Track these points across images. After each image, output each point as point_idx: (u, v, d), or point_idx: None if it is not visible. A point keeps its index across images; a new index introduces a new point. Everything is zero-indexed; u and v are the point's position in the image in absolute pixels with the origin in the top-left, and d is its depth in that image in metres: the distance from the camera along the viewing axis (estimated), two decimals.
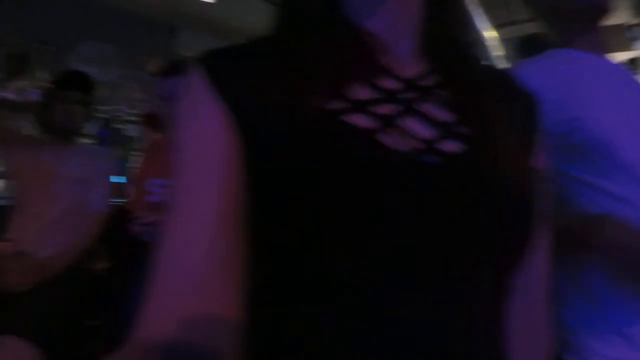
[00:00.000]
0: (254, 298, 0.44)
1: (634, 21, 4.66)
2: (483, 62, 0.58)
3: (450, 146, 0.46)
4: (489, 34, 5.41)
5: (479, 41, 4.89)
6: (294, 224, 0.41)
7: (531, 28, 2.06)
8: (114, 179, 1.97)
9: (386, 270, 0.41)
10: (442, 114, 0.48)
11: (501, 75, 0.61)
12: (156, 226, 1.58)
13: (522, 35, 2.62)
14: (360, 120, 0.45)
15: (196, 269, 0.42)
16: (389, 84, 0.48)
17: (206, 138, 0.47)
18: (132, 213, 1.81)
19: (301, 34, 0.50)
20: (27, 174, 1.86)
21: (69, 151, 1.93)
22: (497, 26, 5.39)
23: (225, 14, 4.74)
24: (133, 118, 4.89)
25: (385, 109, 0.46)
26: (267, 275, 0.45)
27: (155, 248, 0.45)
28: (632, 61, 4.46)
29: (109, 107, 4.79)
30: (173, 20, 5.04)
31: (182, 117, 0.50)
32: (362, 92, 0.47)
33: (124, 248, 1.93)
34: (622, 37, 4.66)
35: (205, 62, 0.50)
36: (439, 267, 0.42)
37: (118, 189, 2.17)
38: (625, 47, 4.77)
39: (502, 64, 5.19)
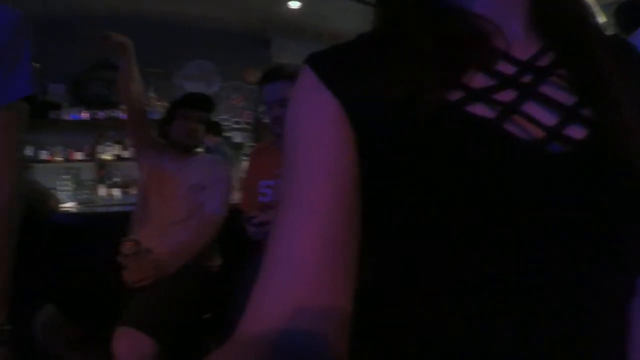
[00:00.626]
0: (367, 292, 0.43)
1: None
2: (604, 33, 0.50)
3: (575, 132, 0.41)
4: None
5: None
6: (418, 222, 0.40)
7: None
8: (227, 183, 2.08)
9: (513, 265, 0.39)
10: (563, 96, 0.44)
11: (624, 47, 0.52)
12: (268, 226, 1.64)
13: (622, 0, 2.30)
14: (482, 110, 0.42)
15: (308, 261, 0.41)
16: (505, 68, 0.45)
17: (319, 133, 0.46)
18: (244, 214, 1.89)
19: (407, 24, 0.47)
20: (151, 180, 2.02)
21: (188, 160, 2.06)
22: None
23: (314, 18, 4.80)
24: (238, 126, 5.21)
25: (505, 96, 0.43)
26: (382, 270, 0.44)
27: (269, 243, 0.44)
28: None
29: (215, 118, 5.12)
30: (265, 31, 5.22)
31: (293, 116, 0.49)
32: (479, 80, 0.44)
33: (236, 247, 2.03)
34: None
35: (313, 62, 0.49)
36: (568, 262, 0.39)
37: (231, 193, 2.29)
38: None
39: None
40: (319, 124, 0.46)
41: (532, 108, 0.42)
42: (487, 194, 0.39)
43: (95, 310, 1.70)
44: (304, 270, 0.41)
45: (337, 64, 0.48)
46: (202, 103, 2.14)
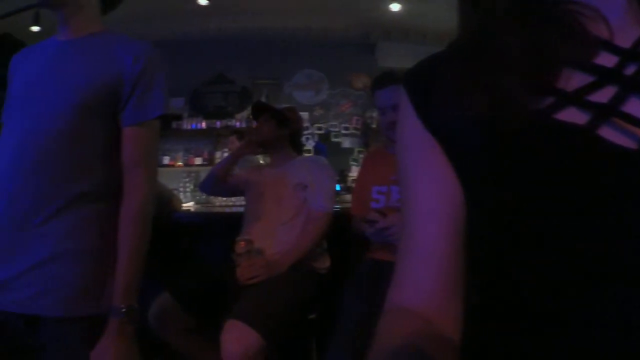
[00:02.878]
0: (473, 312, 0.44)
1: None
2: None
3: None
4: None
5: None
6: (516, 239, 0.39)
7: None
8: (331, 181, 2.07)
9: (619, 284, 0.35)
10: None
11: None
12: (389, 231, 1.62)
13: None
14: (573, 116, 0.37)
15: (433, 260, 0.44)
16: (605, 59, 0.39)
17: (419, 157, 0.48)
18: (356, 219, 1.89)
19: (494, 23, 0.43)
20: (257, 182, 2.09)
21: (293, 162, 2.10)
22: None
23: (416, 19, 4.68)
24: (346, 131, 5.25)
25: (603, 95, 0.37)
26: (488, 291, 0.44)
27: (396, 245, 0.49)
28: None
29: (324, 124, 5.27)
30: (369, 37, 5.22)
31: (399, 131, 0.51)
32: (575, 78, 0.39)
33: (345, 250, 2.02)
34: None
35: (406, 83, 0.51)
36: None
37: (338, 195, 2.27)
38: None
39: None
40: (416, 147, 0.48)
41: (635, 106, 0.37)
42: (585, 209, 0.36)
43: (208, 303, 1.78)
44: (428, 270, 0.45)
45: (426, 84, 0.48)
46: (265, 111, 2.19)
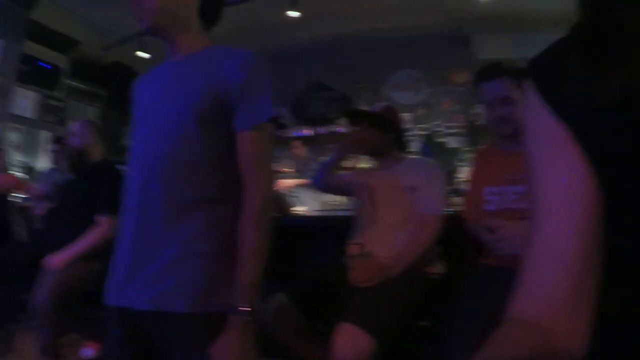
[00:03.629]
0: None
1: None
2: None
3: None
4: None
5: None
6: None
7: None
8: (441, 183, 2.02)
9: None
10: None
11: None
12: (501, 238, 1.54)
13: None
14: None
15: (562, 262, 0.42)
16: None
17: (550, 147, 0.46)
18: (468, 222, 1.81)
19: (618, 5, 0.42)
20: (368, 186, 2.08)
21: (401, 164, 2.08)
22: None
23: (510, 6, 4.40)
24: (451, 131, 5.08)
25: None
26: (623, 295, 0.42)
27: (526, 246, 0.47)
28: None
29: (427, 125, 5.13)
30: (462, 29, 5.03)
31: (526, 124, 0.50)
32: None
33: (458, 255, 1.96)
34: None
35: (535, 74, 0.49)
36: None
37: (448, 197, 2.21)
38: None
39: None
40: (547, 139, 0.46)
41: None
42: None
43: (320, 303, 1.84)
44: (560, 270, 0.42)
45: (553, 73, 0.47)
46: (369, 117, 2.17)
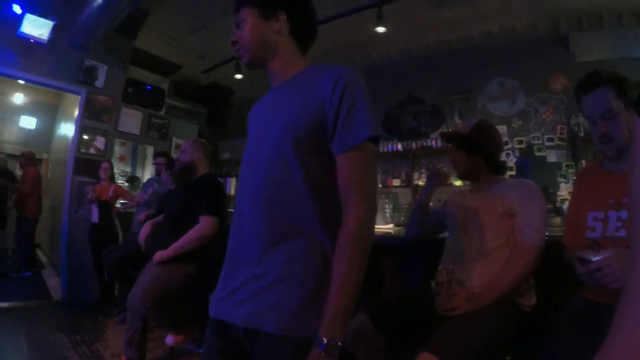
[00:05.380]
0: None
1: None
2: None
3: None
4: None
5: None
6: None
7: None
8: (542, 208, 1.78)
9: None
10: None
11: None
12: (594, 271, 1.32)
13: None
14: None
15: None
16: None
17: None
18: (568, 249, 1.61)
19: None
20: (460, 209, 1.96)
21: (498, 186, 1.92)
22: None
23: (605, 0, 4.00)
24: (551, 143, 4.63)
25: None
26: None
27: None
28: None
29: (525, 137, 4.77)
30: (559, 30, 4.63)
31: (634, 144, 0.45)
32: None
33: (554, 287, 1.78)
34: None
35: None
36: None
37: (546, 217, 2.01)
38: None
39: None
40: None
41: None
42: None
43: (402, 327, 1.76)
44: None
45: None
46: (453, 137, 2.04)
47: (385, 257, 2.38)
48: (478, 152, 1.95)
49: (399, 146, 5.38)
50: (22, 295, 4.93)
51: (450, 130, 2.28)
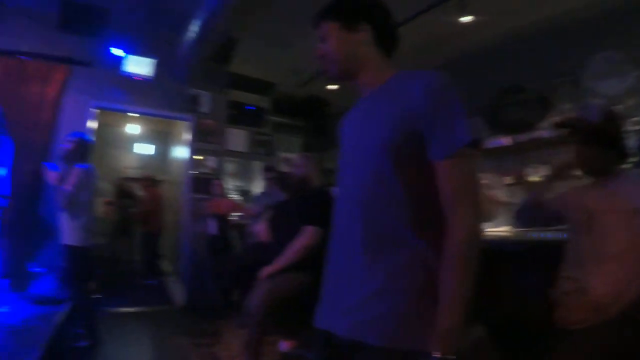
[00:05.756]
0: None
1: None
2: None
3: None
4: None
5: None
6: None
7: None
8: None
9: None
10: None
11: None
12: None
13: None
14: None
15: None
16: None
17: None
18: None
19: None
20: (582, 207, 1.78)
21: (625, 181, 1.73)
22: None
23: None
24: None
25: None
26: None
27: None
28: None
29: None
30: None
31: None
32: None
33: None
34: None
35: None
36: None
37: None
38: None
39: None
40: None
41: None
42: None
43: (523, 341, 1.64)
44: None
45: None
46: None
47: (501, 262, 2.18)
48: (612, 146, 1.75)
49: (505, 141, 4.81)
50: (147, 301, 5.57)
51: (566, 118, 2.05)
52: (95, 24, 4.72)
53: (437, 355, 0.91)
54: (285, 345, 3.17)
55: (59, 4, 4.56)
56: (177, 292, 5.78)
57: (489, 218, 2.38)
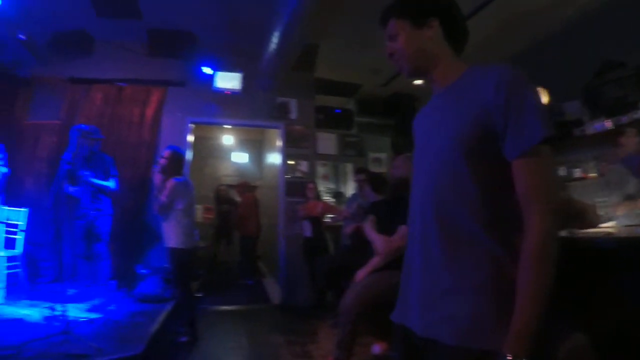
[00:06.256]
0: None
1: None
2: None
3: None
4: None
5: None
6: None
7: None
8: None
9: None
10: None
11: None
12: None
13: None
14: None
15: None
16: None
17: None
18: None
19: None
20: None
21: None
22: None
23: None
24: None
25: None
26: None
27: None
28: None
29: None
30: None
31: None
32: None
33: None
34: None
35: None
36: None
37: None
38: None
39: None
40: None
41: None
42: None
43: (630, 352, 1.51)
44: None
45: None
46: None
47: (605, 262, 1.97)
48: None
49: (609, 124, 4.19)
50: (245, 300, 5.85)
51: None
52: (183, 48, 5.18)
53: (509, 357, 0.89)
54: (378, 348, 3.17)
55: (146, 33, 5.06)
56: (273, 291, 6.02)
57: (591, 225, 2.18)
